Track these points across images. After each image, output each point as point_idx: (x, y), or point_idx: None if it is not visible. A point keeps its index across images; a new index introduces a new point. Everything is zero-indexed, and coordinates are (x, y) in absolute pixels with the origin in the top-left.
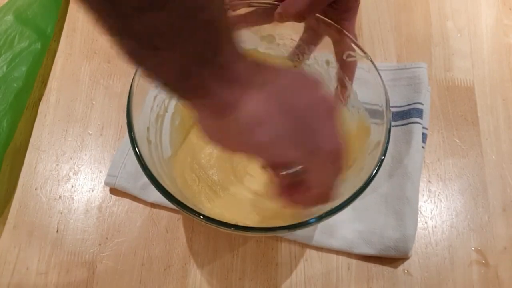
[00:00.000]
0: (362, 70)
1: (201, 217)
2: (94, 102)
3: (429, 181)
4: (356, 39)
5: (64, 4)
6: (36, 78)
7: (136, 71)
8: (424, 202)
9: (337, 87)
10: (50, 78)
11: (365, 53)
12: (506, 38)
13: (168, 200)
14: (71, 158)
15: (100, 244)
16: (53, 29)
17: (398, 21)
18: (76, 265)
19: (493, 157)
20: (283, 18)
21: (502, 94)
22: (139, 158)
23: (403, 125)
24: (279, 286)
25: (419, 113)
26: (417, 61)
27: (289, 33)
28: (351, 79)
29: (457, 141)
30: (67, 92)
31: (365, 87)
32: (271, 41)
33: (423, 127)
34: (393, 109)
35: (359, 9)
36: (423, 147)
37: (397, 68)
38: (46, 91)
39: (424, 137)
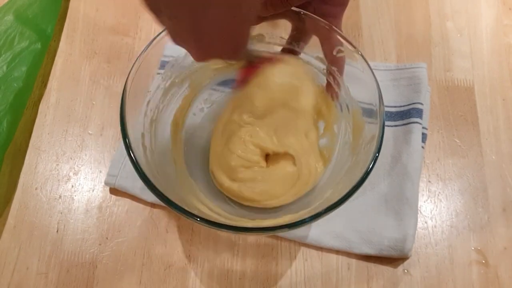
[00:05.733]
0: (357, 69)
1: (199, 219)
2: (94, 102)
3: (429, 181)
4: None
5: (64, 4)
6: (36, 78)
7: (128, 76)
8: (424, 202)
9: (328, 83)
10: (50, 78)
11: (355, 47)
12: (506, 38)
13: (166, 205)
14: (71, 158)
15: (100, 244)
16: (53, 29)
17: (398, 21)
18: (76, 265)
19: (493, 157)
20: (267, 8)
21: (502, 94)
22: (134, 162)
23: (403, 125)
24: (279, 286)
25: (419, 113)
26: (417, 61)
27: (279, 31)
28: (341, 73)
29: (457, 141)
30: (67, 92)
31: (360, 87)
32: (261, 40)
33: (423, 127)
34: (393, 109)
35: (359, 9)
36: (422, 147)
37: (397, 68)
38: (46, 91)
39: (424, 137)
